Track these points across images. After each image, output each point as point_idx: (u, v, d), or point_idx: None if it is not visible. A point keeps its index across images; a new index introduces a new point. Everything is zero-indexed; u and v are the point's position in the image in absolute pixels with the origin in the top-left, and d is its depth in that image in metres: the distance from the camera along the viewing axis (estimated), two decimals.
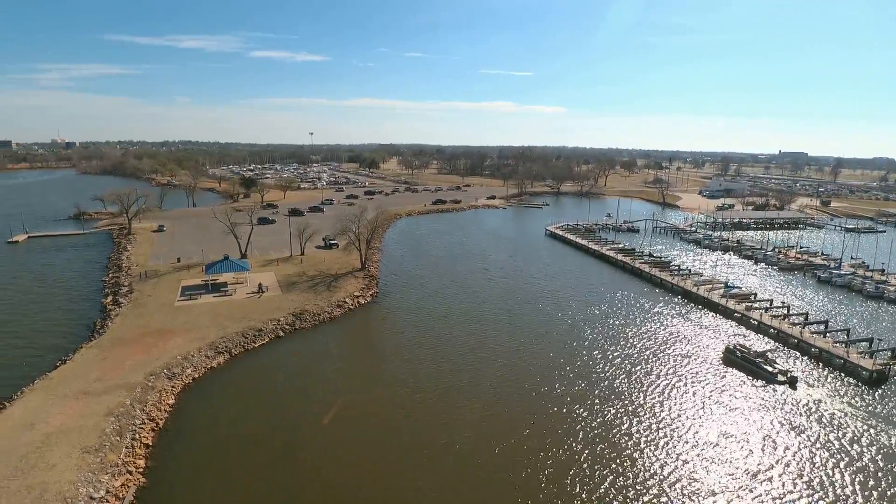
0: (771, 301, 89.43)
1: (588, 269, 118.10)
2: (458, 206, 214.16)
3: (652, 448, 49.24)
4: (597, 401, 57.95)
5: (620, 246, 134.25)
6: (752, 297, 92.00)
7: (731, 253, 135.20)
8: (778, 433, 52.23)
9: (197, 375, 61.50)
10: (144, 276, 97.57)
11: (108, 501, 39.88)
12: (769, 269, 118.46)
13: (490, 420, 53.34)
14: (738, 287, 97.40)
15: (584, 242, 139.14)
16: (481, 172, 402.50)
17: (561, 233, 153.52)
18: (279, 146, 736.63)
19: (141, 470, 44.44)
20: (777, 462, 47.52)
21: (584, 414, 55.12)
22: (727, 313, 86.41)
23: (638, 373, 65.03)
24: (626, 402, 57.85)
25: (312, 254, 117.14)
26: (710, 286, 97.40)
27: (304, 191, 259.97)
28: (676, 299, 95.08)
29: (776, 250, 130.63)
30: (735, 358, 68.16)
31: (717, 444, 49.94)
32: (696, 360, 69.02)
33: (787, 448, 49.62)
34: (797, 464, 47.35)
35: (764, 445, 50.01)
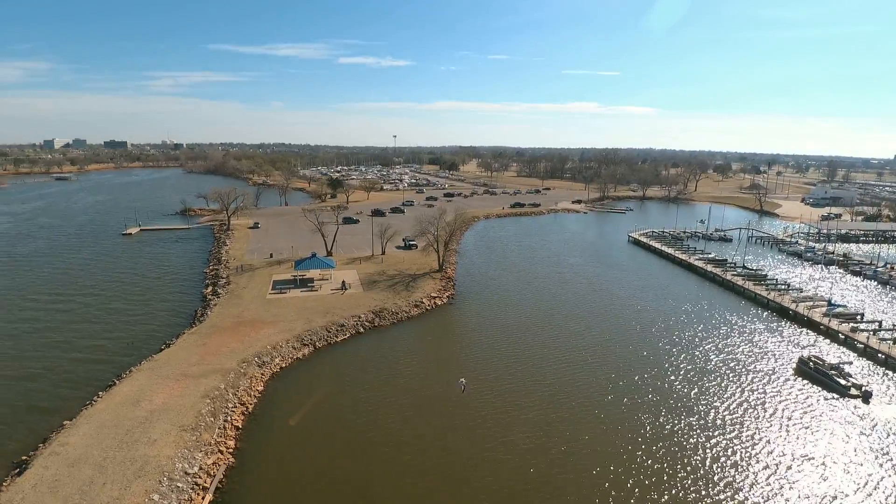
0: (880, 323, 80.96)
1: (672, 279, 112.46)
2: (536, 209, 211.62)
3: (720, 466, 46.68)
4: (665, 413, 55.75)
5: (710, 256, 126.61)
6: (858, 318, 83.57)
7: (837, 268, 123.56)
8: (855, 453, 48.57)
9: (284, 365, 65.24)
10: (241, 269, 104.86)
11: (200, 478, 43.10)
12: (880, 287, 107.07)
13: (552, 424, 52.50)
14: (842, 305, 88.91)
15: (669, 251, 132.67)
16: (562, 175, 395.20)
17: (645, 240, 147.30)
18: (364, 148, 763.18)
19: (231, 450, 47.77)
20: (853, 483, 43.09)
21: (651, 426, 53.18)
22: (828, 333, 79.24)
23: (712, 387, 62.01)
24: (696, 416, 55.08)
25: (392, 254, 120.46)
26: (811, 303, 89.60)
27: (387, 192, 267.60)
28: (770, 316, 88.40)
29: (888, 267, 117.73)
30: (808, 370, 65.39)
31: (790, 466, 46.56)
32: (777, 377, 64.30)
33: (866, 470, 44.98)
34: (875, 486, 42.75)
35: (839, 465, 45.96)
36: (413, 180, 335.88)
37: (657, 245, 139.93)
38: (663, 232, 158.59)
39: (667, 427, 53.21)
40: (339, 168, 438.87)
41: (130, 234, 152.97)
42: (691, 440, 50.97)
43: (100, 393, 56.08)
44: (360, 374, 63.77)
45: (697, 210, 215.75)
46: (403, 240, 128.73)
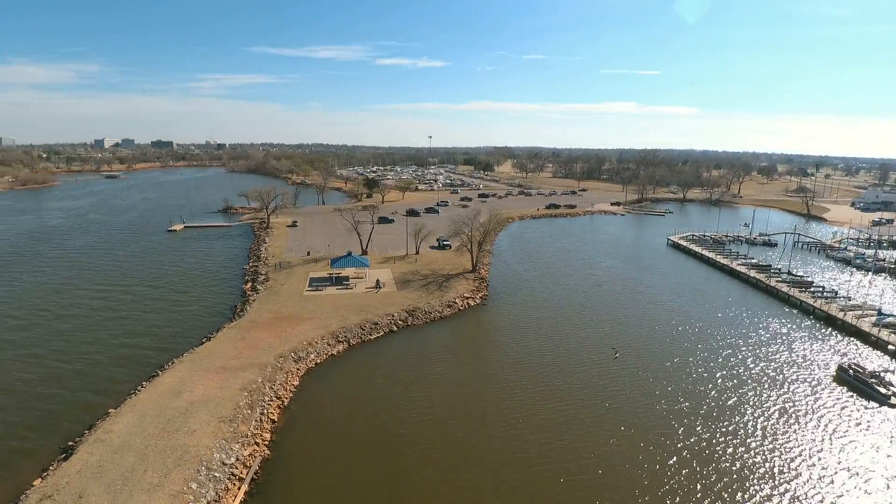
0: None
1: (713, 284, 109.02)
2: (572, 210, 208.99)
3: (756, 477, 44.92)
4: (699, 420, 54.40)
5: (753, 261, 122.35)
6: None
7: (888, 276, 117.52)
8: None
9: (319, 361, 66.35)
10: (279, 266, 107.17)
11: (237, 468, 44.20)
12: None
13: (584, 428, 51.63)
14: (893, 315, 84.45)
15: (710, 255, 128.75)
16: (599, 177, 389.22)
17: (685, 243, 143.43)
18: (400, 149, 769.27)
19: (266, 443, 48.85)
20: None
21: (685, 433, 51.86)
22: (878, 344, 75.45)
23: (749, 395, 60.14)
24: (732, 424, 53.43)
25: (426, 253, 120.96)
26: (860, 312, 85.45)
27: (421, 192, 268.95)
28: (815, 324, 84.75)
29: None
30: (847, 377, 63.29)
31: (832, 480, 44.20)
32: (817, 385, 61.58)
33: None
34: None
35: (882, 479, 43.36)
36: (448, 181, 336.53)
37: (697, 249, 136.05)
38: (704, 235, 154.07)
39: (701, 434, 51.85)
40: (374, 168, 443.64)
41: (175, 230, 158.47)
42: (727, 449, 49.49)
43: (143, 383, 58.24)
44: (394, 372, 64.25)
45: (741, 213, 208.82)
46: (437, 240, 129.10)
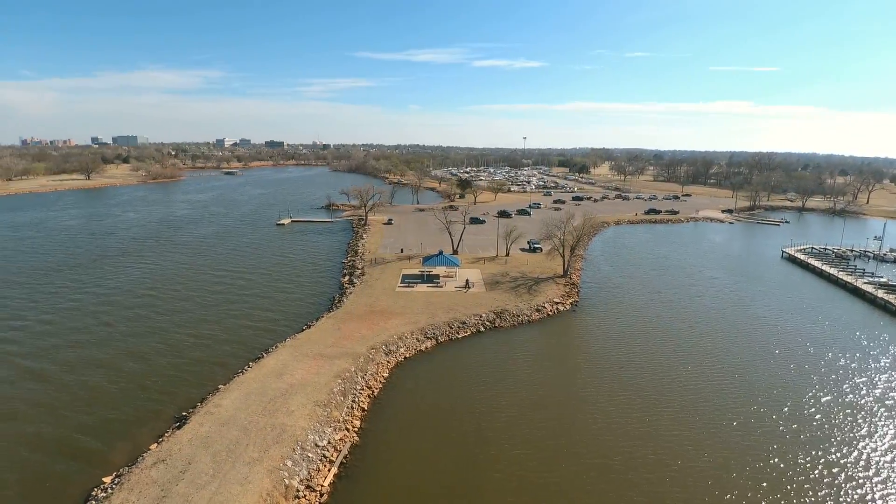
0: None
1: (832, 303, 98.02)
2: (674, 216, 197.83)
3: None
4: (798, 447, 49.46)
5: (883, 280, 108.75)
6: None
7: None
8: None
9: (408, 355, 68.40)
10: (374, 262, 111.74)
11: (328, 451, 46.72)
12: None
13: (672, 441, 48.67)
14: None
15: (832, 271, 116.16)
16: (705, 181, 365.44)
17: (802, 257, 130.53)
18: (494, 150, 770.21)
19: (356, 429, 51.20)
20: None
21: (781, 459, 47.29)
22: None
23: (859, 425, 53.59)
24: (835, 454, 47.52)
25: (517, 255, 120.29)
26: None
27: (514, 194, 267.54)
28: None
29: None
30: None
31: None
32: None
33: None
34: None
35: None
36: (541, 182, 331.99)
37: (816, 264, 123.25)
38: (825, 249, 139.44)
39: (800, 462, 47.49)
40: (468, 169, 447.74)
41: (283, 224, 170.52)
42: (826, 480, 44.98)
43: (250, 363, 63.29)
44: (479, 372, 64.74)
45: (869, 226, 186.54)
46: (528, 242, 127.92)
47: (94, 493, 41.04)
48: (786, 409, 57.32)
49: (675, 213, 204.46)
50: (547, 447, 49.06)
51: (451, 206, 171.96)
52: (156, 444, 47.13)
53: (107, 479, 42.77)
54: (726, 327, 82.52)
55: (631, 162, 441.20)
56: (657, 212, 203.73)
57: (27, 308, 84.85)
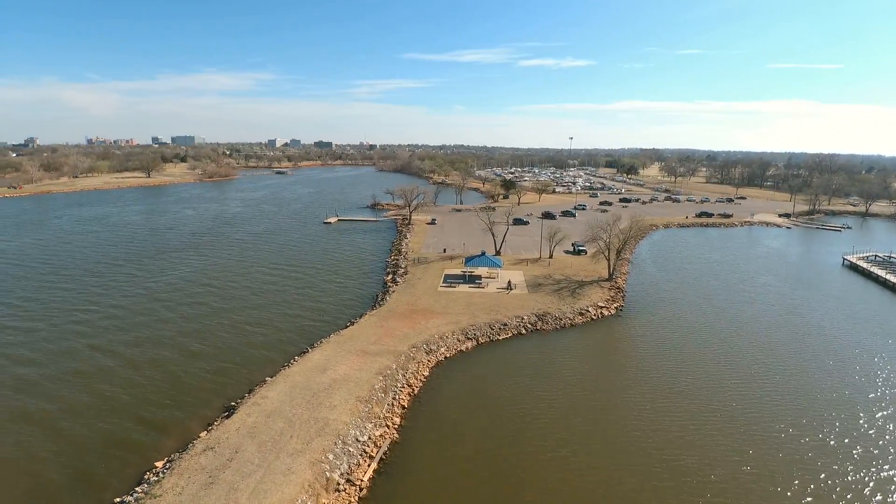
0: None
1: None
2: (727, 220, 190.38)
3: None
4: (852, 466, 46.54)
5: None
6: None
7: None
8: None
9: (448, 355, 68.63)
10: (417, 261, 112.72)
11: (368, 446, 47.44)
12: None
13: (718, 451, 46.77)
14: None
15: None
16: (761, 183, 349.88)
17: (865, 265, 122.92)
18: (539, 150, 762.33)
19: (396, 426, 51.78)
20: None
21: (829, 475, 44.62)
22: None
23: None
24: (892, 472, 44.45)
25: (560, 258, 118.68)
26: None
27: (559, 195, 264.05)
28: None
29: None
30: None
31: None
32: None
33: None
34: None
35: None
36: (587, 183, 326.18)
37: (881, 273, 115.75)
38: (890, 257, 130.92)
39: (849, 478, 45.07)
40: (512, 169, 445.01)
41: (330, 222, 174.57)
42: (875, 497, 42.67)
43: (295, 357, 65.03)
44: (519, 373, 64.28)
45: None
46: (573, 244, 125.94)
47: (146, 477, 43.18)
48: (837, 423, 54.36)
49: (729, 216, 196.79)
50: (587, 450, 48.51)
51: (488, 207, 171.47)
52: (205, 432, 49.09)
53: (159, 464, 44.93)
54: (778, 335, 78.85)
55: (682, 163, 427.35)
56: (709, 215, 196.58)
57: (97, 297, 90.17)
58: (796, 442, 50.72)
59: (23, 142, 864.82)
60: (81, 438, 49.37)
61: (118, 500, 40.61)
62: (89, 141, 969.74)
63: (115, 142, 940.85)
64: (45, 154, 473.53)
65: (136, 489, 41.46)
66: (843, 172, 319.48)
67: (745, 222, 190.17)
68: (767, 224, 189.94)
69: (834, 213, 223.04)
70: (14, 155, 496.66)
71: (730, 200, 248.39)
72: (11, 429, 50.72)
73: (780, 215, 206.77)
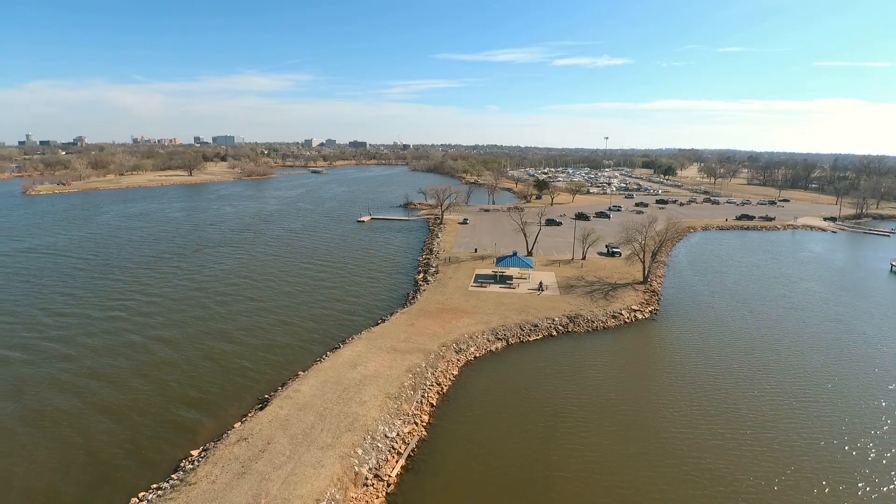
0: None
1: None
2: (769, 223, 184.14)
3: None
4: (893, 482, 44.42)
5: None
6: None
7: None
8: None
9: (478, 354, 68.61)
10: (448, 260, 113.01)
11: (396, 443, 47.93)
12: None
13: (746, 460, 45.28)
14: None
15: None
16: (806, 186, 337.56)
17: None
18: (573, 150, 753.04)
19: (424, 424, 52.09)
20: None
21: (868, 484, 42.94)
22: None
23: None
24: None
25: (593, 259, 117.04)
26: None
27: (593, 195, 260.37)
28: None
29: None
30: None
31: None
32: None
33: None
34: None
35: None
36: (622, 184, 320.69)
37: None
38: None
39: (892, 492, 43.20)
40: (545, 170, 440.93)
41: (364, 221, 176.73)
42: None
43: (327, 353, 66.19)
44: (550, 375, 63.77)
45: None
46: (607, 246, 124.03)
47: (182, 465, 44.70)
48: (879, 433, 52.10)
49: (771, 219, 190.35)
50: (616, 452, 47.98)
51: (517, 208, 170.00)
52: (239, 423, 50.46)
53: (194, 452, 46.44)
54: (819, 343, 75.88)
55: (722, 164, 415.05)
56: (750, 218, 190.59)
57: (140, 291, 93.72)
58: (834, 452, 48.85)
59: (72, 140, 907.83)
60: (131, 422, 51.50)
61: (154, 486, 42.19)
62: (135, 140, 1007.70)
63: (158, 141, 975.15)
64: (92, 153, 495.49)
65: (172, 476, 42.98)
66: (893, 175, 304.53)
67: (788, 226, 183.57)
68: (811, 228, 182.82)
69: (882, 218, 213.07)
70: (64, 153, 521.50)
71: (772, 203, 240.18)
72: (66, 403, 53.38)
73: (825, 219, 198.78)
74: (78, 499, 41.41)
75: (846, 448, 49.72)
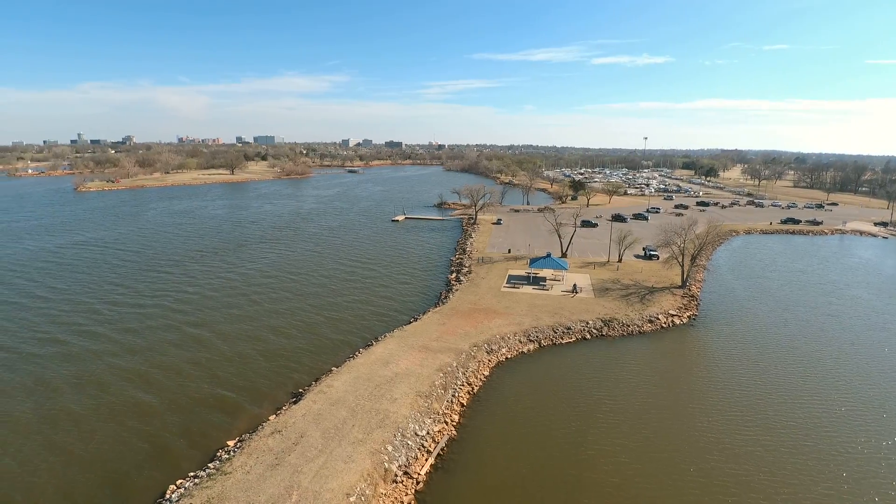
0: None
1: None
2: (816, 228, 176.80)
3: None
4: None
5: None
6: None
7: None
8: None
9: (510, 356, 68.37)
10: (481, 260, 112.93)
11: (426, 441, 48.28)
12: None
13: (786, 468, 43.61)
14: None
15: None
16: (856, 189, 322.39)
17: None
18: (611, 151, 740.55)
19: (454, 423, 52.28)
20: None
21: None
22: None
23: None
24: None
25: (630, 262, 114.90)
26: None
27: (631, 197, 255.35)
28: None
29: None
30: None
31: None
32: None
33: None
34: None
35: None
36: (661, 186, 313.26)
37: None
38: None
39: None
40: (582, 170, 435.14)
41: (398, 220, 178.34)
42: None
43: (360, 350, 67.19)
44: (582, 378, 63.04)
45: None
46: (644, 249, 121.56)
47: (218, 454, 46.18)
48: None
49: (818, 223, 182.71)
50: (648, 457, 47.21)
51: (548, 208, 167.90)
52: (274, 416, 51.77)
53: (230, 443, 47.90)
54: (865, 352, 72.50)
55: (767, 165, 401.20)
56: (796, 221, 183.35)
57: (186, 284, 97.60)
58: (875, 463, 46.82)
59: (121, 140, 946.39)
60: (169, 414, 53.59)
61: (192, 473, 43.73)
62: (180, 140, 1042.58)
63: (202, 140, 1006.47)
64: (140, 151, 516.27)
65: (209, 465, 44.46)
66: None
67: (836, 230, 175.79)
68: (861, 233, 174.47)
69: None
70: (113, 152, 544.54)
71: (819, 206, 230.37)
72: (119, 384, 55.94)
73: (875, 224, 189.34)
74: (127, 476, 43.47)
75: (886, 462, 47.40)
